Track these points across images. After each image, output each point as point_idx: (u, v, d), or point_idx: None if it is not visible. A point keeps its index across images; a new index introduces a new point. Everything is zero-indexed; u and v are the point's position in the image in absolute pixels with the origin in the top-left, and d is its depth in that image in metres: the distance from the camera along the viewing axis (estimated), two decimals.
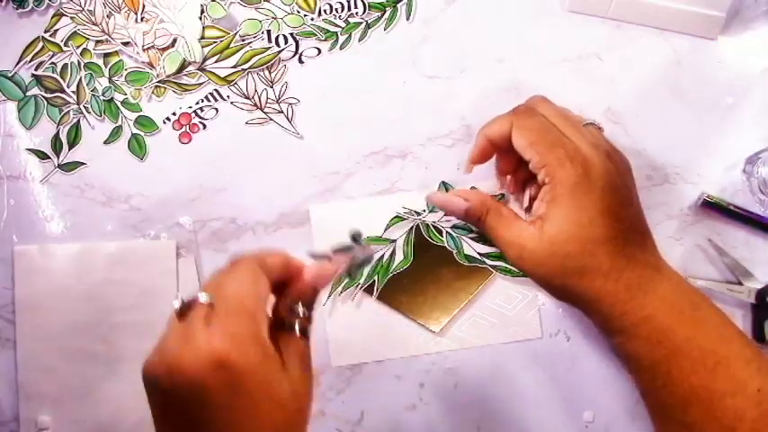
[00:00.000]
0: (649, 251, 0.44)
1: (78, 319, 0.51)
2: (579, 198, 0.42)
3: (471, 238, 0.52)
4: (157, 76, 0.52)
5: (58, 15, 0.52)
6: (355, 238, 0.50)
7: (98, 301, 0.51)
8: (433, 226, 0.52)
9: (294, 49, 0.53)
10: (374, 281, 0.52)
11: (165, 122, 0.53)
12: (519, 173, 0.48)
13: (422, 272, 0.52)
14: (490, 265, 0.52)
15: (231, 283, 0.37)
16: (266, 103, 0.53)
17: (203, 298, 0.36)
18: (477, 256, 0.52)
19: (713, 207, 0.52)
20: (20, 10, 0.52)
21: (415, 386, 0.53)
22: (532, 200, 0.47)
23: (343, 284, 0.52)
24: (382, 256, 0.52)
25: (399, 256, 0.52)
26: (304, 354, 0.39)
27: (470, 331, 0.52)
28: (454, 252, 0.52)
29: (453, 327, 0.53)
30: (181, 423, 0.35)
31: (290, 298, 0.41)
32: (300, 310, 0.40)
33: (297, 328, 0.40)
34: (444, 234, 0.52)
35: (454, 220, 0.53)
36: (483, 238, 0.52)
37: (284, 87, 0.53)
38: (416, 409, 0.53)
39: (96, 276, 0.52)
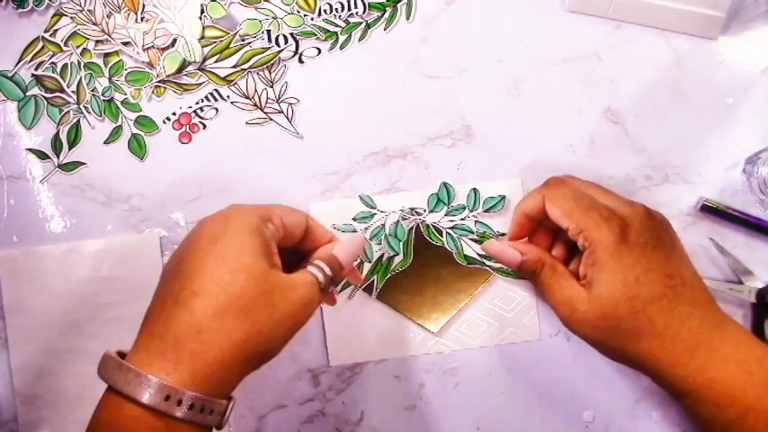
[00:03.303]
0: (706, 307, 0.42)
1: (69, 318, 0.51)
2: (622, 257, 0.41)
3: (471, 239, 0.52)
4: (157, 76, 0.52)
5: (58, 15, 0.52)
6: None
7: (87, 299, 0.51)
8: (434, 226, 0.52)
9: (294, 49, 0.53)
10: (373, 280, 0.52)
11: (165, 122, 0.53)
12: (559, 248, 0.48)
13: (421, 272, 0.52)
14: (489, 267, 0.52)
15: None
16: (266, 103, 0.53)
17: None
18: (477, 257, 0.52)
19: (712, 212, 0.52)
20: (20, 10, 0.52)
21: (415, 386, 0.53)
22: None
23: (341, 283, 0.52)
24: (382, 255, 0.52)
25: (399, 256, 0.52)
26: (314, 286, 0.41)
27: (469, 332, 0.52)
28: (454, 252, 0.52)
29: (452, 327, 0.52)
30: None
31: (317, 258, 0.43)
32: (327, 269, 0.42)
33: (321, 279, 0.41)
34: (444, 234, 0.52)
35: (454, 221, 0.52)
36: (482, 239, 0.52)
37: (284, 87, 0.53)
38: (416, 409, 0.53)
39: (82, 274, 0.52)
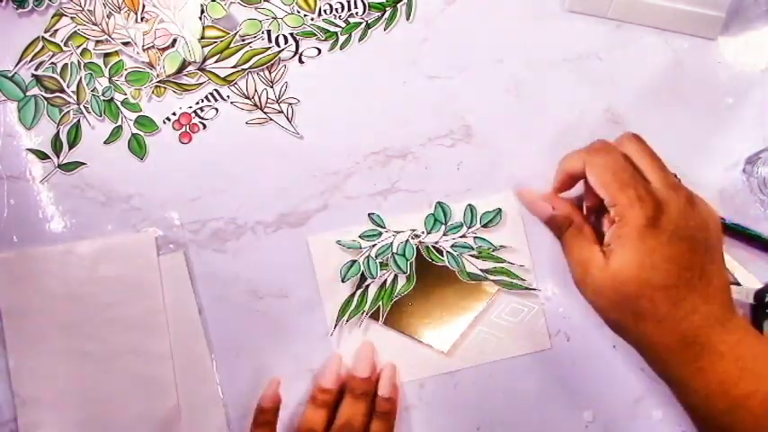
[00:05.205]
0: (717, 302, 0.42)
1: (66, 319, 0.51)
2: (645, 240, 0.42)
3: (472, 256, 0.52)
4: (157, 76, 0.52)
5: (58, 15, 0.52)
6: None
7: (84, 299, 0.51)
8: (433, 247, 0.52)
9: (294, 49, 0.53)
10: (379, 306, 0.52)
11: (165, 122, 0.53)
12: (596, 201, 0.48)
13: (426, 293, 0.52)
14: (493, 281, 0.52)
15: None
16: (266, 103, 0.53)
17: None
18: (480, 273, 0.52)
19: None
20: (20, 10, 0.52)
21: (414, 386, 0.53)
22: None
23: (348, 312, 0.52)
24: (385, 281, 0.52)
25: (402, 280, 0.52)
26: None
27: (479, 348, 0.52)
28: (456, 271, 0.52)
29: (462, 346, 0.52)
30: None
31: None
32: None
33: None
34: (445, 254, 0.52)
35: (454, 239, 0.52)
36: (483, 254, 0.52)
37: (284, 87, 0.53)
38: (416, 409, 0.53)
39: (79, 275, 0.51)
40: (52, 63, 0.52)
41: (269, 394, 0.51)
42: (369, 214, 0.52)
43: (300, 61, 0.53)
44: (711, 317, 0.41)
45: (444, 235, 0.52)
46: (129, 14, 0.52)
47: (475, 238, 0.52)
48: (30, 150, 0.52)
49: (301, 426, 0.50)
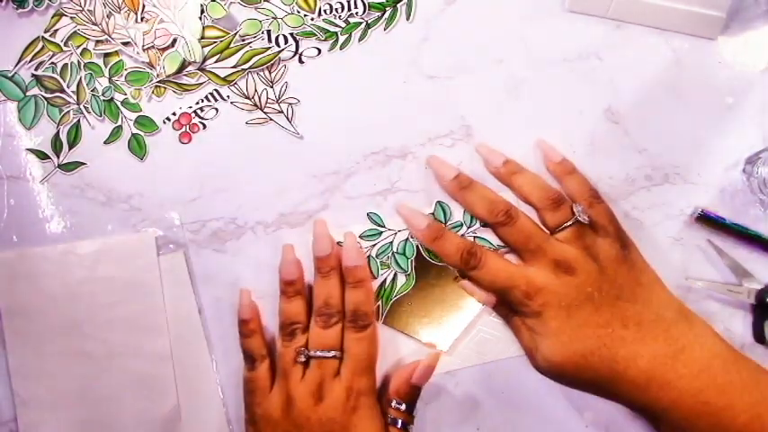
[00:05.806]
0: (660, 339, 0.42)
1: (66, 319, 0.51)
2: (548, 324, 0.43)
3: None
4: (157, 76, 0.52)
5: (58, 15, 0.52)
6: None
7: (84, 299, 0.51)
8: None
9: (294, 49, 0.53)
10: (378, 305, 0.52)
11: (165, 122, 0.53)
12: None
13: (425, 293, 0.52)
14: None
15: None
16: (266, 103, 0.53)
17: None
18: None
19: (707, 221, 0.52)
20: (20, 10, 0.52)
21: None
22: None
23: None
24: (384, 280, 0.52)
25: (401, 279, 0.52)
26: None
27: (479, 348, 0.52)
28: (456, 271, 0.52)
29: (461, 345, 0.52)
30: None
31: (391, 394, 0.48)
32: (402, 407, 0.47)
33: (399, 422, 0.47)
34: None
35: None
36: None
37: (284, 87, 0.53)
38: (416, 409, 0.53)
39: (79, 275, 0.51)
40: (52, 63, 0.52)
41: (245, 304, 0.51)
42: (368, 214, 0.52)
43: (300, 61, 0.53)
44: (659, 355, 0.41)
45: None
46: (129, 14, 0.52)
47: (475, 237, 0.52)
48: (30, 150, 0.52)
49: (284, 321, 0.49)
